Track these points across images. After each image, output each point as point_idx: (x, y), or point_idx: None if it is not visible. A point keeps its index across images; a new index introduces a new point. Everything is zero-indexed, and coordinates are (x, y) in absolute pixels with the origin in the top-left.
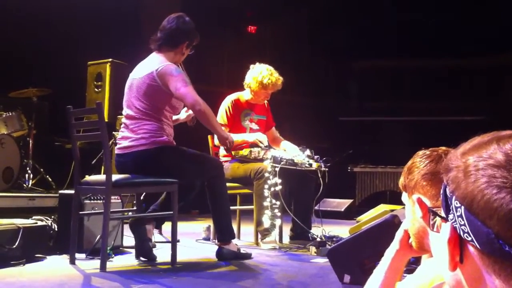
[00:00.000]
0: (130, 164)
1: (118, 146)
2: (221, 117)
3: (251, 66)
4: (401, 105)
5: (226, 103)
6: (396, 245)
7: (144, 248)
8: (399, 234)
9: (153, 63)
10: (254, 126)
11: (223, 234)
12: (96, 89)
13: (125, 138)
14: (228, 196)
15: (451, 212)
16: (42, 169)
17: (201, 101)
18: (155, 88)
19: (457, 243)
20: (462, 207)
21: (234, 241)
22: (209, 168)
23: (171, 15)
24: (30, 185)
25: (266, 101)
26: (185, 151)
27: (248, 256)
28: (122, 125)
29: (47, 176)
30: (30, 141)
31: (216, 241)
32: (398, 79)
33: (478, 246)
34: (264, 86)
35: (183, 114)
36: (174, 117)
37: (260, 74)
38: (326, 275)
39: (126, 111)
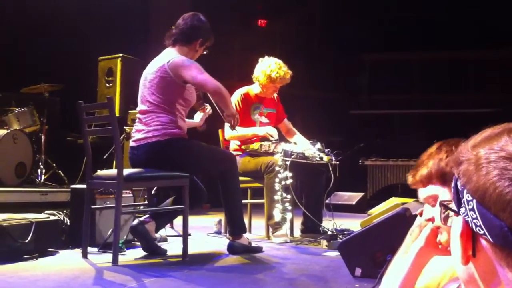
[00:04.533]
0: (143, 157)
1: (132, 138)
2: None
3: (260, 59)
4: (412, 98)
5: (236, 97)
6: (421, 242)
7: (150, 248)
8: (425, 231)
9: (165, 57)
10: (264, 119)
11: (235, 228)
12: (107, 84)
13: (138, 131)
14: (241, 190)
15: (462, 206)
16: (54, 164)
17: (220, 85)
18: (167, 80)
19: (470, 237)
20: (474, 200)
21: (245, 234)
22: (222, 162)
23: (187, 13)
24: (42, 180)
25: (275, 94)
26: (197, 144)
27: (259, 249)
28: (137, 120)
29: (59, 171)
30: (42, 137)
31: (228, 234)
32: (409, 72)
33: (491, 239)
34: (272, 80)
35: (198, 118)
36: (189, 121)
37: (269, 68)
38: (338, 269)
39: (140, 106)
